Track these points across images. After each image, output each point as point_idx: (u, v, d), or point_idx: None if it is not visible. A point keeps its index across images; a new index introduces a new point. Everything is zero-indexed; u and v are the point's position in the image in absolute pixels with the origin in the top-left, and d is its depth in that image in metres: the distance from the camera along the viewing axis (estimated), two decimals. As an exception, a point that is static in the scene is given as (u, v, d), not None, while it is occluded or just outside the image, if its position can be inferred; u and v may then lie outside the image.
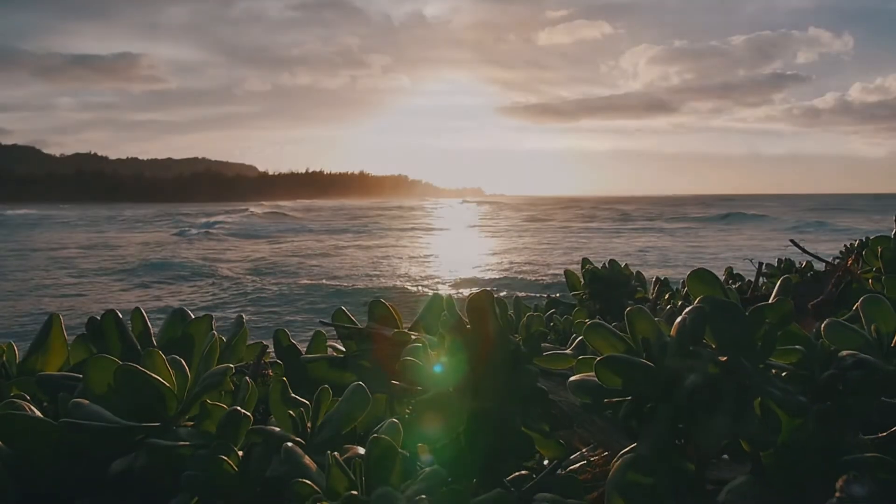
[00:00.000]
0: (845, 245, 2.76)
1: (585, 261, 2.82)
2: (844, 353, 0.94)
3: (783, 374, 0.98)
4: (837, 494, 0.53)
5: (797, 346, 0.96)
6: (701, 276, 0.96)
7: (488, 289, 1.14)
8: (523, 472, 1.07)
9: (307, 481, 0.73)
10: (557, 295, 3.21)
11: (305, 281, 28.25)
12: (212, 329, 1.50)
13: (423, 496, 0.73)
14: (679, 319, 0.84)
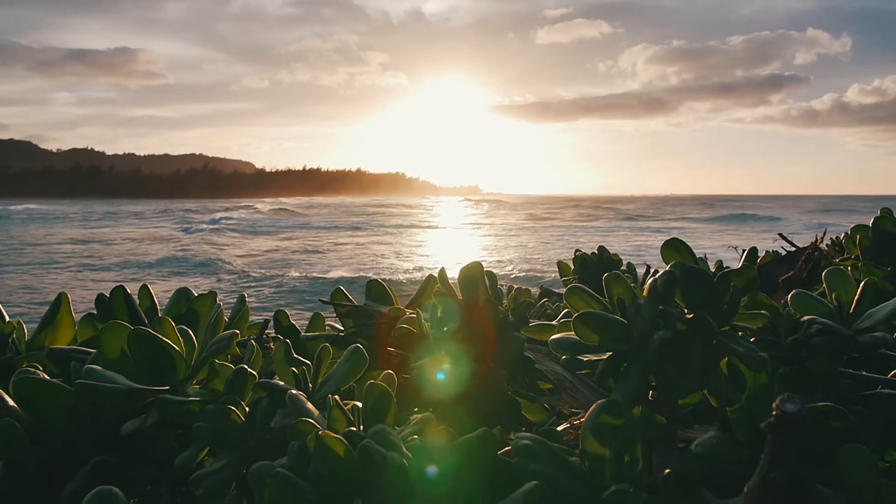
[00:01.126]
0: (831, 237, 2.82)
1: (577, 251, 2.91)
2: (806, 317, 1.01)
3: (751, 339, 1.06)
4: (774, 413, 0.60)
5: (763, 312, 1.03)
6: (674, 245, 1.04)
7: (478, 260, 1.22)
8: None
9: (309, 420, 0.80)
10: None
11: (312, 275, 28.53)
12: (216, 304, 1.57)
13: (416, 436, 0.80)
14: (651, 281, 0.91)
